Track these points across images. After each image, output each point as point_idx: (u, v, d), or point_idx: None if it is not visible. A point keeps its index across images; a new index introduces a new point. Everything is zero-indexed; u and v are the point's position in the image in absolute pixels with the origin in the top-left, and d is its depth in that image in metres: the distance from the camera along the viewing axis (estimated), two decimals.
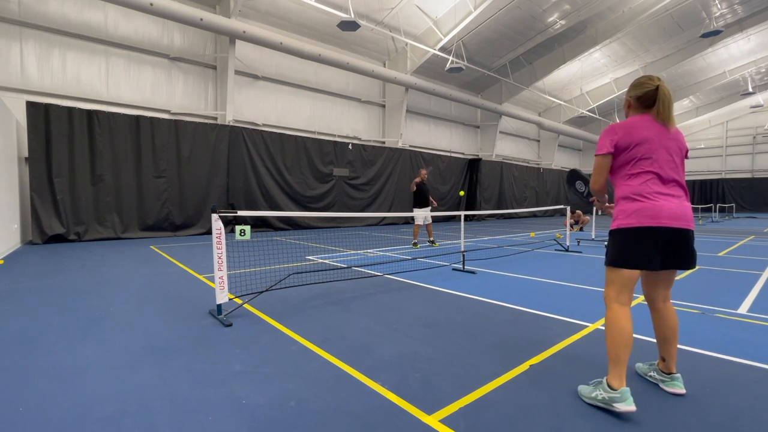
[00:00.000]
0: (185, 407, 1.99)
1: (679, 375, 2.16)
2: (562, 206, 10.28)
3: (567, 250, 8.02)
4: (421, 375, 2.36)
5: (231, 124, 12.25)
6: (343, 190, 14.84)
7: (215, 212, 3.34)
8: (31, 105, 8.77)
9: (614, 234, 2.05)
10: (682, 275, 5.44)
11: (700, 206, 21.06)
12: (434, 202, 8.90)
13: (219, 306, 3.42)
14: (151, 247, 8.42)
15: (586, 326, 3.27)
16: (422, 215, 8.55)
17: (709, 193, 33.45)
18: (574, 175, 3.75)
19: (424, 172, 8.85)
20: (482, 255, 7.32)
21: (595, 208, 2.54)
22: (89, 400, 2.06)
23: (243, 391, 2.16)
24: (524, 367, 2.49)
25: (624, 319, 1.97)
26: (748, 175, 32.33)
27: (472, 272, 5.63)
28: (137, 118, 10.26)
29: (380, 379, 2.31)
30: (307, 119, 15.12)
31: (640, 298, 4.16)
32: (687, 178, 34.93)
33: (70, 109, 9.30)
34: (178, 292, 4.39)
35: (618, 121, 26.86)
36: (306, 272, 5.40)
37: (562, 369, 2.46)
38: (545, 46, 17.66)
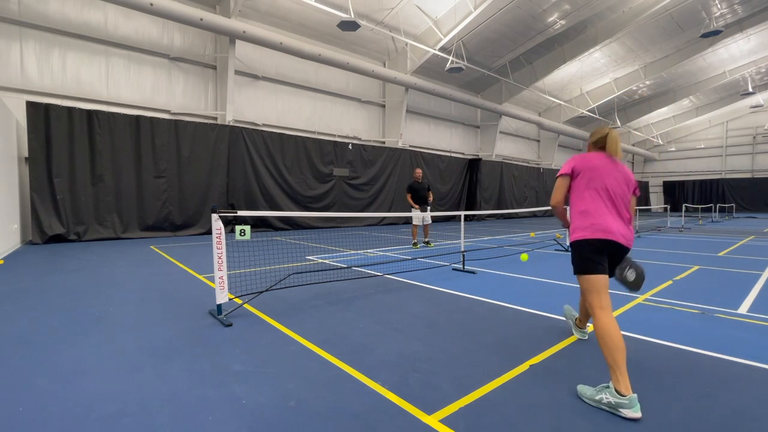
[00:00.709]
0: (185, 407, 1.99)
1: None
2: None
3: (567, 250, 8.01)
4: (421, 375, 2.36)
5: (231, 124, 12.25)
6: (343, 190, 14.83)
7: (215, 212, 3.34)
8: (31, 105, 8.77)
9: (575, 246, 2.32)
10: (681, 275, 5.45)
11: (700, 206, 21.05)
12: (431, 197, 8.74)
13: (219, 306, 3.42)
14: (151, 247, 8.42)
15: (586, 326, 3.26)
16: (419, 215, 8.55)
17: (709, 193, 33.50)
18: None
19: (418, 171, 8.85)
20: (482, 255, 7.32)
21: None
22: (89, 399, 2.06)
23: (243, 391, 2.16)
24: (524, 367, 2.49)
25: (609, 325, 2.12)
26: (748, 175, 32.38)
27: (472, 272, 5.63)
28: (137, 118, 10.26)
29: (380, 379, 2.31)
30: (307, 119, 15.12)
31: (640, 298, 4.16)
32: (687, 178, 35.29)
33: (70, 109, 9.29)
34: (178, 292, 4.38)
35: (617, 120, 26.92)
36: (306, 272, 5.40)
37: (562, 369, 2.47)
38: (545, 46, 17.65)
